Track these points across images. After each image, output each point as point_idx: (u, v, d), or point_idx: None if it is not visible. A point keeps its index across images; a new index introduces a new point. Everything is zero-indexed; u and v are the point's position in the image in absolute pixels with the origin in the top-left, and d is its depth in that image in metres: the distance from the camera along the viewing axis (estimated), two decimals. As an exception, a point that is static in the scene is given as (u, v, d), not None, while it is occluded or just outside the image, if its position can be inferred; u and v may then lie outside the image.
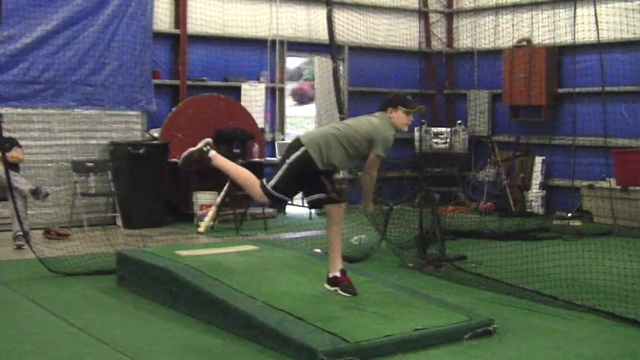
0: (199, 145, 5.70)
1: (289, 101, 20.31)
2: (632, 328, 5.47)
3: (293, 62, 21.40)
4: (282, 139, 12.14)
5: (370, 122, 5.61)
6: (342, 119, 7.96)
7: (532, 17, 11.85)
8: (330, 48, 8.81)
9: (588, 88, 10.94)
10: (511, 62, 11.76)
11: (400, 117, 5.63)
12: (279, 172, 5.51)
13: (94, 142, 10.29)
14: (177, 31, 11.12)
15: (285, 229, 10.07)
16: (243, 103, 11.50)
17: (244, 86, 11.61)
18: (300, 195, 6.42)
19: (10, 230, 8.45)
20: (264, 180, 5.61)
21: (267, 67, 11.81)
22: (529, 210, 11.60)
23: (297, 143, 5.55)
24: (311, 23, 12.17)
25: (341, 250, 5.78)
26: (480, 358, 4.81)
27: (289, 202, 5.88)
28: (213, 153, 5.69)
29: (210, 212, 9.83)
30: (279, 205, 5.82)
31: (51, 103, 9.94)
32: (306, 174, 5.51)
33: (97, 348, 4.96)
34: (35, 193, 8.30)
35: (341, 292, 5.58)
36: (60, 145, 10.02)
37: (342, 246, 5.82)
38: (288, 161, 5.50)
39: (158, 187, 10.22)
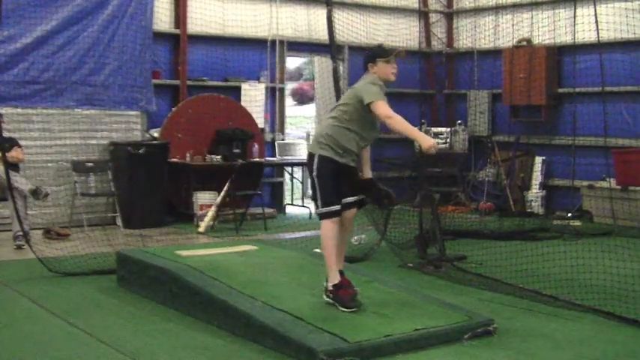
0: (338, 302, 5.25)
1: (289, 101, 20.30)
2: (632, 328, 5.46)
3: (293, 62, 21.37)
4: (282, 139, 12.15)
5: (353, 87, 5.58)
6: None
7: (532, 17, 11.84)
8: (330, 48, 8.80)
9: (588, 88, 10.91)
10: (511, 62, 11.75)
11: (382, 68, 5.55)
12: (318, 190, 5.39)
13: (94, 142, 10.29)
14: (177, 31, 11.11)
15: (285, 229, 10.08)
16: (243, 103, 11.49)
17: (244, 86, 11.60)
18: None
19: (10, 230, 8.45)
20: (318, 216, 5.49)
21: (267, 67, 11.81)
22: (529, 210, 11.58)
23: (308, 156, 5.52)
24: (311, 23, 12.17)
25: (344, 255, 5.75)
26: (480, 358, 4.80)
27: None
28: (329, 286, 5.34)
29: (210, 212, 9.83)
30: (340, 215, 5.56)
31: (51, 103, 9.93)
32: (339, 175, 5.41)
33: (97, 348, 4.95)
34: (35, 193, 8.29)
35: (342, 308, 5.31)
36: (60, 145, 10.02)
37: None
38: (313, 174, 5.41)
39: (158, 187, 10.22)
